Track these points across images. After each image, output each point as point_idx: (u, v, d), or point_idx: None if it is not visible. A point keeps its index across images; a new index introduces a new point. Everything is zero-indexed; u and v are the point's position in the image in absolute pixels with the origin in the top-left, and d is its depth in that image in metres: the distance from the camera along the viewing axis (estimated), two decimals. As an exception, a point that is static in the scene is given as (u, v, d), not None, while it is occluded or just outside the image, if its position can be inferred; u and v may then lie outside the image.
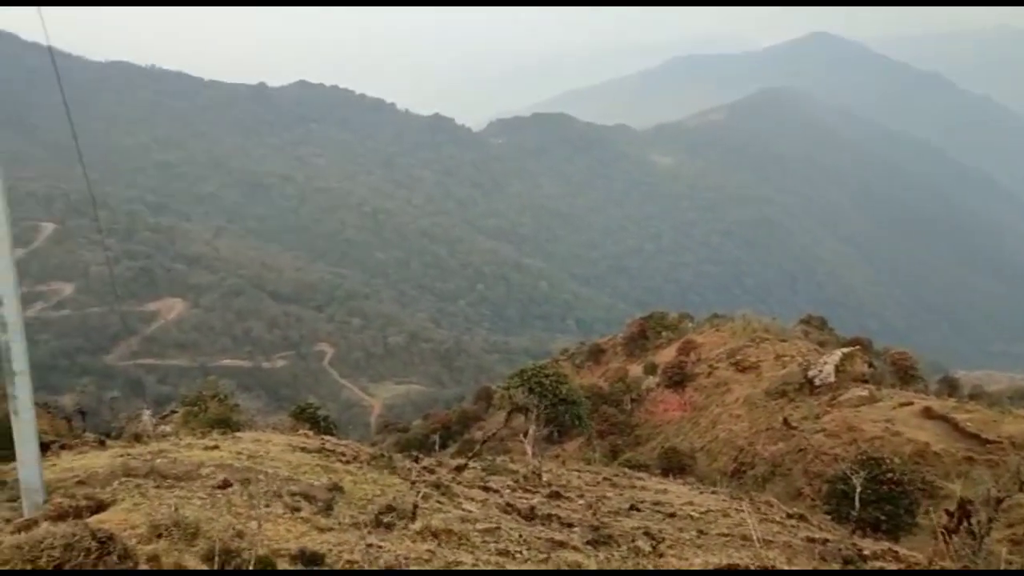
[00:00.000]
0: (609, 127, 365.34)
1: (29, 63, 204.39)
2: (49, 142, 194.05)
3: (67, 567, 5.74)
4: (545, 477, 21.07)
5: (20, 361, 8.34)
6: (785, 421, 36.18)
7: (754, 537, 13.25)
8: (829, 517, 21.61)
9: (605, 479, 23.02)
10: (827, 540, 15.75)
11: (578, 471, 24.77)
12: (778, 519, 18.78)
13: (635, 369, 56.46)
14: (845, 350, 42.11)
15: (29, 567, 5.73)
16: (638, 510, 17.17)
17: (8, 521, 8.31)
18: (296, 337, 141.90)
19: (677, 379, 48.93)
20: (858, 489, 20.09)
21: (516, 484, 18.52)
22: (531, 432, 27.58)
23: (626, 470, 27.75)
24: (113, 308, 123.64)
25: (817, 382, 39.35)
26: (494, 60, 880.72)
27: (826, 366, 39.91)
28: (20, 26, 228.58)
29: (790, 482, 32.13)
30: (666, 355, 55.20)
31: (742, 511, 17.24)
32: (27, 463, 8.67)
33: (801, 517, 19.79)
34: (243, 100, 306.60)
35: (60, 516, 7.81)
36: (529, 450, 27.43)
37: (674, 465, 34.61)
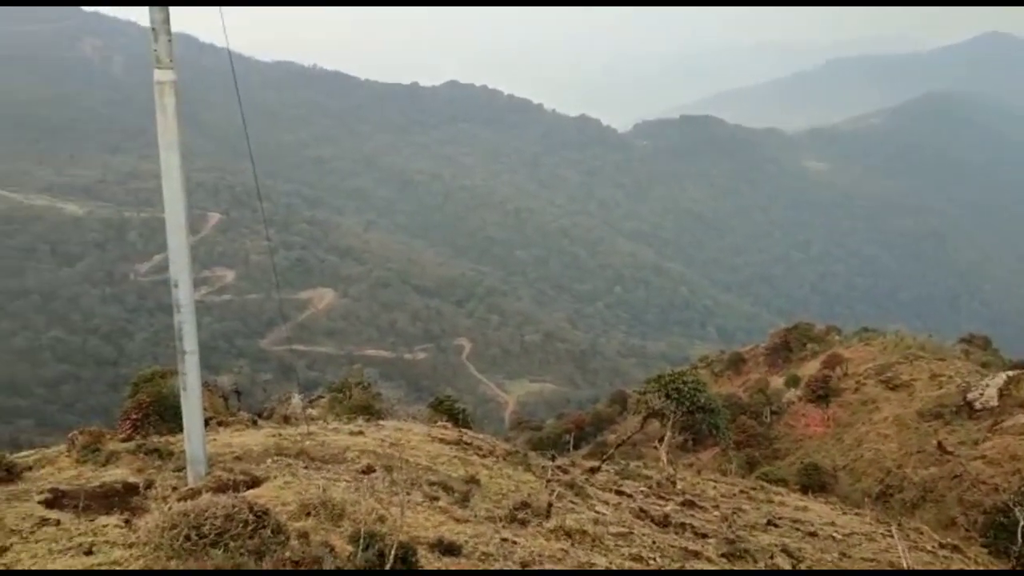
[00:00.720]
0: (759, 130, 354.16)
1: (205, 63, 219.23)
2: (218, 137, 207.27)
3: (226, 536, 6.13)
4: (679, 485, 20.71)
5: (191, 341, 8.96)
6: (939, 445, 34.06)
7: (904, 565, 12.55)
8: (986, 551, 20.19)
9: (741, 491, 22.40)
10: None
11: (713, 481, 24.21)
12: (929, 548, 17.72)
13: (776, 381, 54.63)
14: (1011, 373, 39.12)
15: (193, 533, 6.16)
16: (776, 526, 16.61)
17: (174, 488, 8.96)
18: (437, 331, 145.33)
19: (821, 393, 46.96)
20: (1021, 523, 18.66)
21: (649, 490, 18.30)
22: (666, 439, 27.15)
23: (763, 484, 26.88)
24: (271, 295, 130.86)
25: (977, 405, 36.77)
26: (642, 61, 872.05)
27: (988, 389, 37.21)
28: (198, 29, 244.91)
29: (942, 510, 30.23)
30: (810, 368, 53.09)
31: (890, 536, 16.36)
32: (192, 437, 9.30)
33: (955, 548, 18.59)
34: (396, 99, 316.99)
35: (220, 488, 8.34)
36: (663, 456, 27.01)
37: (814, 482, 33.23)
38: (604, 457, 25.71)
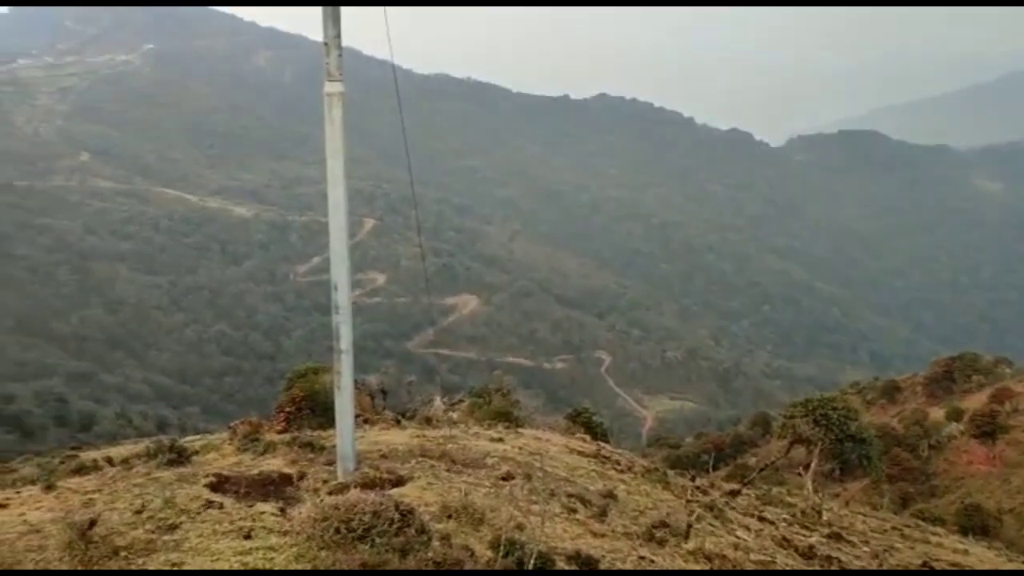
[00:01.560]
0: (925, 147, 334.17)
1: (367, 75, 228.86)
2: (376, 145, 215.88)
3: (373, 532, 6.36)
4: (825, 516, 19.79)
5: (346, 341, 9.36)
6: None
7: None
8: None
9: (894, 528, 21.15)
10: None
11: (863, 515, 22.99)
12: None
13: (936, 413, 51.33)
14: None
15: (343, 526, 6.42)
16: (932, 569, 15.59)
17: (325, 482, 9.37)
18: (577, 342, 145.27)
19: (987, 430, 43.73)
20: None
21: (793, 518, 17.59)
22: (812, 466, 26.00)
23: (919, 522, 25.29)
24: (418, 299, 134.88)
25: None
26: (800, 73, 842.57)
27: None
28: (363, 43, 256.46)
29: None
30: (975, 401, 49.58)
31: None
32: (343, 433, 9.70)
33: None
34: (546, 111, 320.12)
35: (367, 485, 8.65)
36: (809, 485, 25.88)
37: (976, 524, 30.97)
38: (745, 481, 24.90)
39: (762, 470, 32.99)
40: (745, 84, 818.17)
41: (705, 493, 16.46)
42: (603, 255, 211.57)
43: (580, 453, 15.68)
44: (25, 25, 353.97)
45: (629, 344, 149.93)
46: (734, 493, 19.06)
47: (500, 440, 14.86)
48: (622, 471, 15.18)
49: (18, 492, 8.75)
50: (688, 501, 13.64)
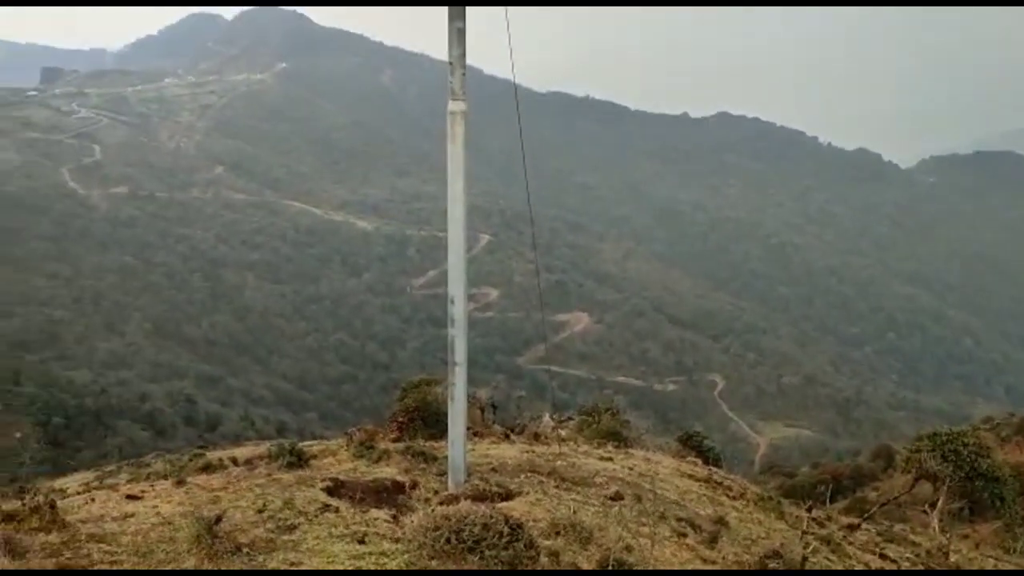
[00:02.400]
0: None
1: (487, 92, 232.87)
2: (493, 162, 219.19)
3: (483, 544, 6.43)
4: (953, 557, 18.69)
5: (460, 354, 9.52)
6: None
7: None
8: None
9: (1029, 576, 19.75)
10: None
11: (994, 559, 21.58)
12: None
13: (1081, 455, 47.70)
14: None
15: (454, 537, 6.52)
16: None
17: (436, 492, 9.54)
18: (689, 363, 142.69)
19: None
20: None
21: (917, 558, 16.69)
22: (939, 505, 24.61)
23: (1059, 571, 23.51)
24: (530, 315, 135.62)
25: None
26: (930, 92, 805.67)
27: None
28: (483, 62, 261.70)
29: None
30: None
31: None
32: (455, 445, 9.84)
33: None
34: (664, 129, 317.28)
35: (477, 497, 8.75)
36: (935, 524, 24.52)
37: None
38: (865, 515, 23.81)
39: (883, 505, 31.46)
40: (874, 103, 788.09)
41: (822, 525, 15.85)
42: (719, 276, 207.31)
43: (691, 477, 15.38)
44: (172, 47, 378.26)
45: (744, 368, 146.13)
46: (853, 527, 18.27)
47: (609, 459, 14.74)
48: (734, 497, 14.80)
49: (152, 486, 9.28)
50: (804, 532, 13.17)
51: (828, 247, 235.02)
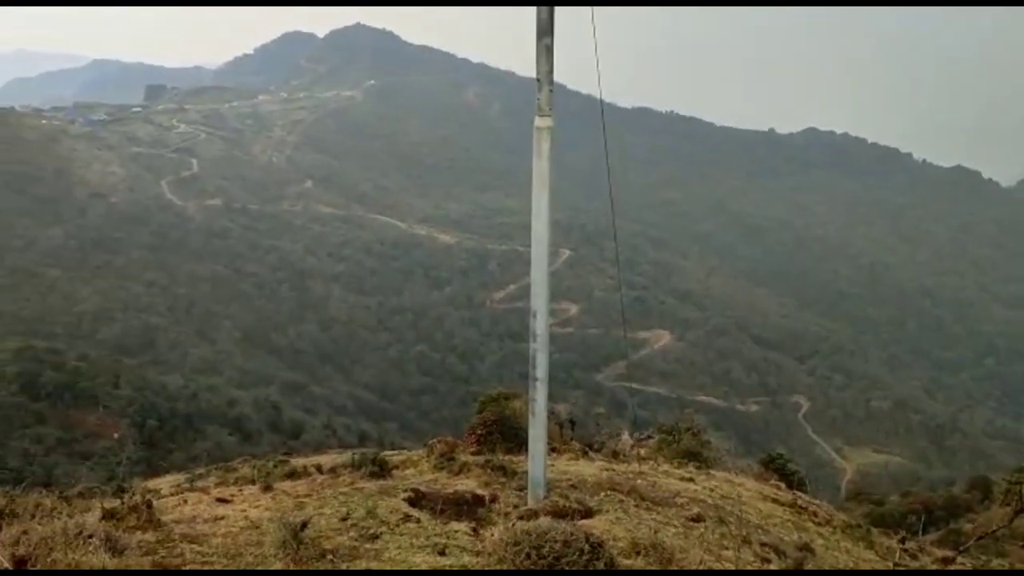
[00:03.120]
0: None
1: (570, 108, 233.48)
2: (574, 177, 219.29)
3: (563, 561, 6.40)
4: (1056, 598, 17.72)
5: (542, 369, 9.52)
6: None
7: None
8: None
9: None
10: None
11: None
12: None
13: None
14: None
15: (534, 552, 6.51)
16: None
17: (516, 506, 9.54)
18: (773, 384, 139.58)
19: None
20: None
21: (1017, 597, 15.89)
22: (1042, 540, 23.41)
23: None
24: (610, 332, 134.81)
25: None
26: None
27: None
28: (567, 78, 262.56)
29: None
30: None
31: None
32: (535, 460, 9.84)
33: None
34: (750, 145, 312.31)
35: (557, 513, 8.72)
36: (1037, 561, 23.31)
37: None
38: (961, 548, 22.81)
39: (980, 538, 30.10)
40: (973, 118, 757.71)
41: (914, 557, 15.23)
42: (805, 295, 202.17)
43: (775, 501, 15.00)
44: (267, 65, 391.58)
45: (830, 390, 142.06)
46: (947, 560, 17.50)
47: (690, 480, 14.50)
48: (820, 524, 14.36)
49: (240, 490, 9.56)
50: (895, 564, 12.71)
51: (922, 267, 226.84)
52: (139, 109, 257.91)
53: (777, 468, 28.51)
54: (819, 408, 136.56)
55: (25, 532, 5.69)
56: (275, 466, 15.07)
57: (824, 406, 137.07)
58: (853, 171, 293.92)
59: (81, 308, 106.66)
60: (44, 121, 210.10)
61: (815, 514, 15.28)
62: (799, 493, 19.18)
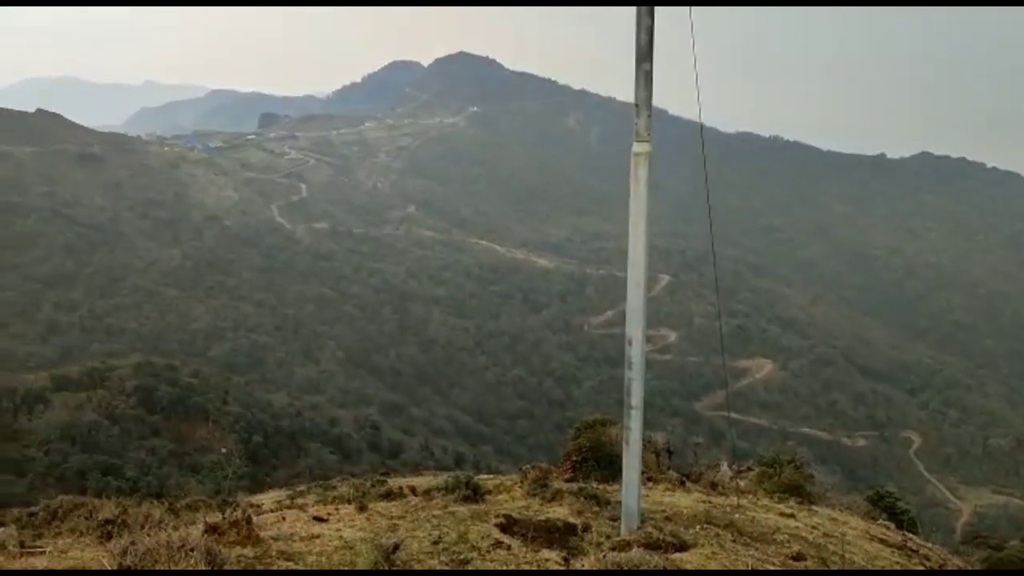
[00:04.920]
0: None
1: (670, 133, 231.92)
2: (674, 202, 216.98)
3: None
4: None
5: (637, 397, 9.40)
6: None
7: None
8: None
9: None
10: None
11: None
12: None
13: None
14: None
15: (624, 585, 6.40)
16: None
17: (608, 537, 9.41)
18: (882, 418, 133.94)
19: None
20: None
21: None
22: None
23: None
24: (709, 360, 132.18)
25: None
26: None
27: None
28: (668, 103, 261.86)
29: None
30: None
31: None
32: (629, 489, 9.70)
33: None
34: (858, 170, 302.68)
35: (650, 545, 8.56)
36: None
37: None
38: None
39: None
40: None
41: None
42: (916, 325, 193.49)
43: (882, 541, 14.33)
44: (373, 93, 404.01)
45: (944, 426, 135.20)
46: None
47: (791, 516, 14.01)
48: (932, 568, 13.64)
49: (337, 509, 9.76)
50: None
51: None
52: (253, 136, 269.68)
53: (886, 507, 27.27)
54: (932, 444, 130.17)
55: (133, 543, 5.94)
56: (372, 486, 15.32)
57: (937, 442, 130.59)
58: (969, 196, 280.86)
59: (195, 326, 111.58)
60: (166, 148, 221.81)
61: (927, 557, 14.55)
62: (909, 534, 18.29)
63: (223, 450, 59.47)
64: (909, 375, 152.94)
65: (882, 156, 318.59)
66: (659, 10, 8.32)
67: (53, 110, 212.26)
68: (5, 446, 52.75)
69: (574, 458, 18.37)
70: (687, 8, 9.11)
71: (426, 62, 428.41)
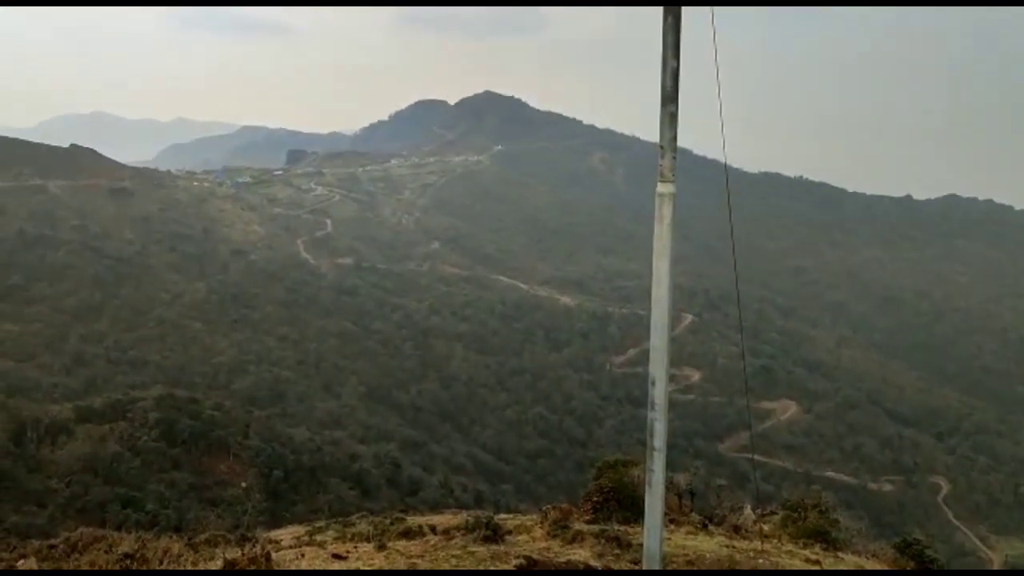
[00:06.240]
0: None
1: (696, 173, 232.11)
2: (699, 241, 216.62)
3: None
4: None
5: (660, 439, 9.28)
6: None
7: None
8: None
9: None
10: None
11: None
12: None
13: None
14: None
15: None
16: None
17: (629, 581, 9.24)
18: (909, 463, 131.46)
19: None
20: None
21: None
22: None
23: None
24: (733, 400, 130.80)
25: None
26: None
27: None
28: (694, 143, 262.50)
29: None
30: None
31: None
32: (652, 533, 9.53)
33: None
34: (885, 212, 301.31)
35: (672, 590, 8.40)
36: None
37: None
38: None
39: None
40: None
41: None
42: (946, 370, 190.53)
43: (911, 592, 14.00)
44: (400, 131, 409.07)
45: (974, 472, 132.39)
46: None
47: (817, 562, 13.75)
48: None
49: (355, 547, 9.69)
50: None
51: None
52: (280, 172, 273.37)
53: (914, 554, 26.66)
54: (961, 491, 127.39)
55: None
56: (391, 524, 15.21)
57: (967, 489, 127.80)
58: (999, 240, 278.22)
59: (218, 360, 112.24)
60: (196, 183, 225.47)
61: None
62: (939, 584, 17.84)
63: (243, 484, 59.41)
64: (937, 420, 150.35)
65: (908, 198, 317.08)
66: (684, 51, 8.38)
67: (87, 145, 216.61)
68: (29, 477, 53.03)
69: (595, 499, 18.15)
70: (713, 49, 9.17)
71: (452, 101, 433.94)
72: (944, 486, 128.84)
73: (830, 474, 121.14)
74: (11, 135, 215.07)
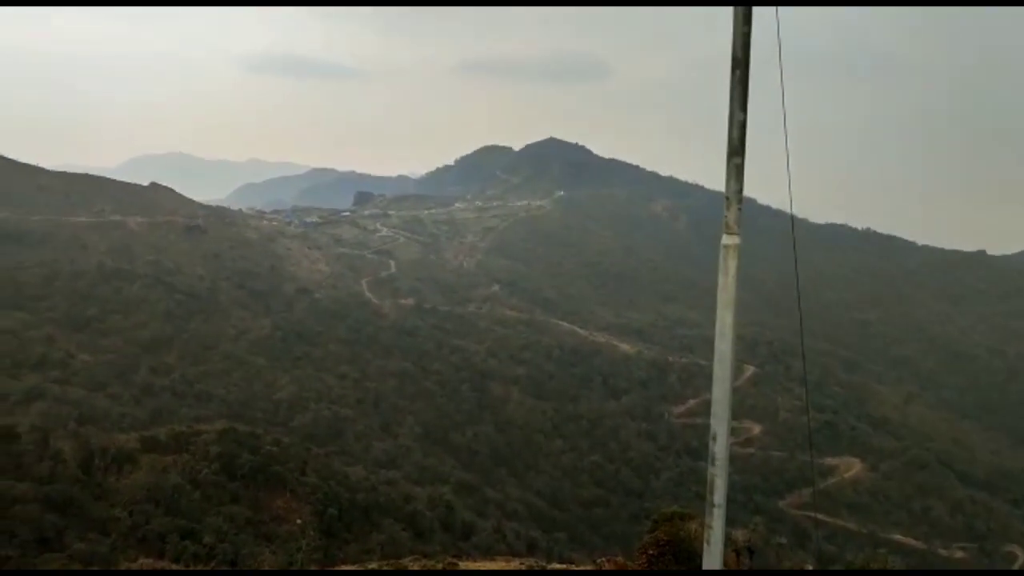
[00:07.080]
0: None
1: (760, 223, 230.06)
2: (762, 291, 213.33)
3: None
4: None
5: (720, 495, 9.11)
6: None
7: None
8: None
9: None
10: None
11: None
12: None
13: None
14: None
15: None
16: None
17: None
18: (982, 529, 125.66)
19: None
20: None
21: None
22: None
23: None
24: (795, 455, 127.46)
25: None
26: None
27: None
28: (759, 193, 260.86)
29: None
30: None
31: None
32: (709, 590, 9.32)
33: None
34: (956, 266, 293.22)
35: (730, 651, 8.18)
36: None
37: None
38: None
39: None
40: None
41: None
42: (1020, 432, 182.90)
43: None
44: (465, 175, 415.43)
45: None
46: None
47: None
48: None
49: (409, 589, 9.66)
50: None
51: None
52: (347, 213, 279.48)
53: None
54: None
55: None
56: (443, 569, 15.15)
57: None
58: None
59: (279, 396, 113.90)
60: (265, 222, 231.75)
61: None
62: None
63: (298, 521, 59.77)
64: (1012, 484, 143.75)
65: (982, 253, 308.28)
66: (751, 101, 8.39)
67: (166, 184, 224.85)
68: (95, 504, 54.24)
69: (650, 552, 17.82)
70: (780, 102, 9.16)
71: (517, 147, 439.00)
72: (1020, 555, 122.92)
73: (897, 537, 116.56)
74: (95, 173, 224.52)
